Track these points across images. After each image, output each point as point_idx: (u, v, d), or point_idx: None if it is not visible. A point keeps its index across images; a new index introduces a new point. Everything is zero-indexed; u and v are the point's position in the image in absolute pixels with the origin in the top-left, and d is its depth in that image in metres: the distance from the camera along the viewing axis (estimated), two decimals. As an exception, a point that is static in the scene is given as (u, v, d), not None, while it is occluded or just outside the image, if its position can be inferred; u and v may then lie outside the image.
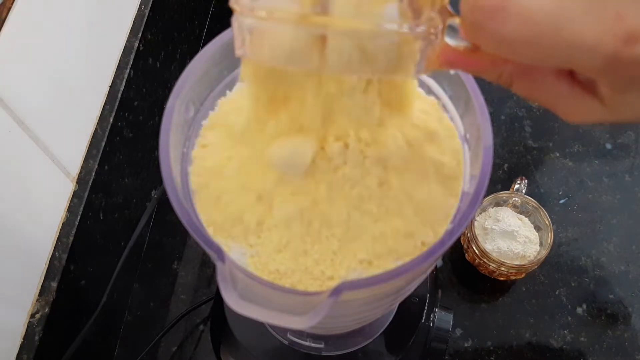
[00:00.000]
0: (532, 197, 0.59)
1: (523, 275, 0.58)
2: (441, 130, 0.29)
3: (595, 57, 0.16)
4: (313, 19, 0.20)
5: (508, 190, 0.61)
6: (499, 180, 0.66)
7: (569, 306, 0.59)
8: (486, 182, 0.26)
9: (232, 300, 0.22)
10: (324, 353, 0.41)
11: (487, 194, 0.60)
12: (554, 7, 0.16)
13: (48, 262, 0.46)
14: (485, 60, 0.20)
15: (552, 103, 0.20)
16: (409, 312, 0.44)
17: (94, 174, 0.50)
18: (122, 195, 0.56)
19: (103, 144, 0.51)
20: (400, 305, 0.43)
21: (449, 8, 0.21)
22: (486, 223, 0.59)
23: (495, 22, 0.17)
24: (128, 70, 0.54)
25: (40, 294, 0.46)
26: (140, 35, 0.56)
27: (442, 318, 0.47)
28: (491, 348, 0.58)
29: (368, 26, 0.20)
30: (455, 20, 0.20)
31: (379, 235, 0.26)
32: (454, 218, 0.27)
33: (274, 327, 0.42)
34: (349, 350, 0.42)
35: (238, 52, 0.22)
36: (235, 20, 0.21)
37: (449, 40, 0.21)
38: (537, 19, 0.16)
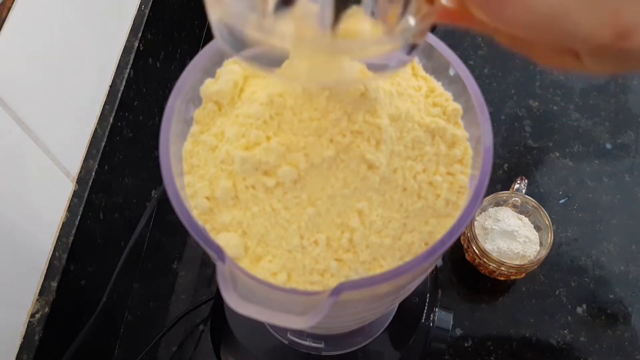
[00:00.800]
0: (532, 197, 0.59)
1: (523, 275, 0.58)
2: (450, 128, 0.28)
3: (587, 45, 0.17)
4: None
5: (508, 190, 0.61)
6: (498, 180, 0.66)
7: (569, 306, 0.59)
8: (486, 182, 0.26)
9: (232, 300, 0.22)
10: (324, 353, 0.41)
11: (487, 193, 0.60)
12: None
13: (48, 262, 0.46)
14: (471, 20, 0.20)
15: (531, 54, 0.21)
16: (409, 312, 0.44)
17: (94, 173, 0.50)
18: (122, 195, 0.56)
19: (103, 143, 0.51)
20: (400, 305, 0.43)
21: None
22: (486, 223, 0.59)
23: (494, 5, 0.17)
24: (128, 70, 0.54)
25: (40, 293, 0.46)
26: (140, 35, 0.56)
27: (442, 318, 0.47)
28: (491, 348, 0.58)
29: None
30: None
31: (381, 235, 0.26)
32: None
33: (274, 327, 0.42)
34: (348, 350, 0.42)
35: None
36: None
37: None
38: (537, 9, 0.17)
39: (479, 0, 0.18)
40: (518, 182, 0.60)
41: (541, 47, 0.20)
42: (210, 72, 0.30)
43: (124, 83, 0.53)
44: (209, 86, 0.28)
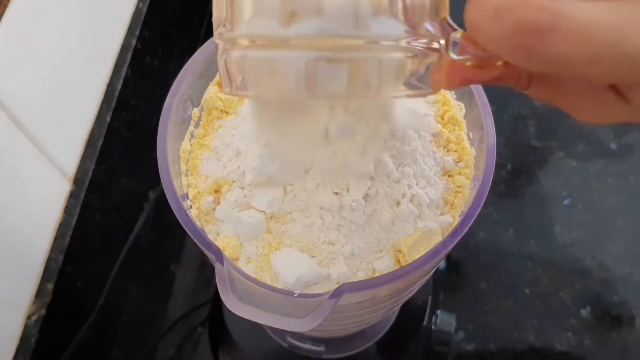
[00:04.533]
0: (535, 197, 0.59)
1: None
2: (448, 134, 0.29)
3: None
4: (297, 41, 0.18)
5: (512, 189, 0.60)
6: (502, 180, 0.65)
7: (573, 308, 0.59)
8: (489, 181, 0.26)
9: (231, 303, 0.22)
10: (324, 356, 0.41)
11: (490, 193, 0.59)
12: (613, 21, 0.15)
13: (44, 264, 0.46)
14: (500, 71, 0.19)
15: (570, 106, 0.19)
16: (411, 314, 0.43)
17: (90, 173, 0.49)
18: (119, 195, 0.56)
19: (100, 143, 0.50)
20: (402, 307, 0.43)
21: (450, 21, 0.19)
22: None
23: (546, 42, 0.15)
24: (125, 69, 0.54)
25: (37, 295, 0.45)
26: (137, 33, 0.55)
27: (445, 320, 0.47)
28: (494, 351, 0.57)
29: (359, 42, 0.18)
30: (458, 35, 0.19)
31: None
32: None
33: (273, 330, 0.42)
34: (349, 354, 0.41)
35: (225, 90, 0.21)
36: (220, 57, 0.20)
37: (454, 56, 0.19)
38: (596, 34, 0.15)
39: (526, 43, 0.15)
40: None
41: (584, 93, 0.18)
42: (207, 72, 0.30)
43: (121, 82, 0.53)
44: (216, 94, 0.29)
